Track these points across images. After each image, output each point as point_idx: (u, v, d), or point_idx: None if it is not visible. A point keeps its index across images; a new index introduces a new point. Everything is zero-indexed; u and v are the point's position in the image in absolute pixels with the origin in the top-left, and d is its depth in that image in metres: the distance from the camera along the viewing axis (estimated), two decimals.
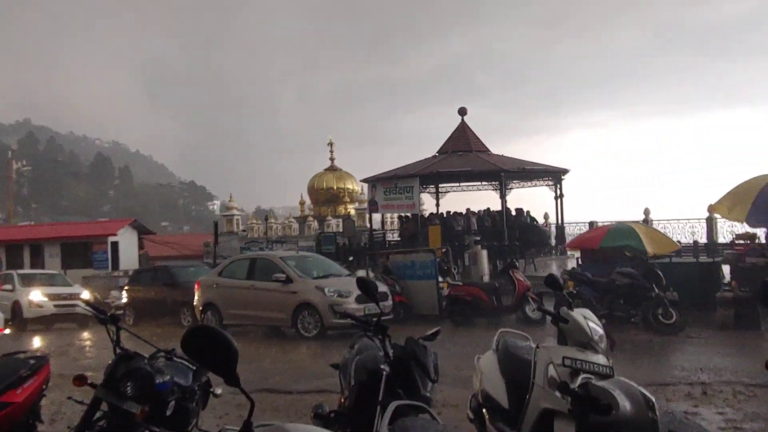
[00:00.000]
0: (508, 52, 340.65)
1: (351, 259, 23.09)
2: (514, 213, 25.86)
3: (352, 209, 39.32)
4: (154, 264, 27.02)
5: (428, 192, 30.25)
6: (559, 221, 27.26)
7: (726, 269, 14.50)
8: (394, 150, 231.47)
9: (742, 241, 14.81)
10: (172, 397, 3.83)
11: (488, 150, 28.16)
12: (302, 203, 42.92)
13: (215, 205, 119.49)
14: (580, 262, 16.58)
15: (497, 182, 25.85)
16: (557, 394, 3.28)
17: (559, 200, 27.00)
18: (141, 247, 33.39)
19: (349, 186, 40.59)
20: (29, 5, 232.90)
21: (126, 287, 19.60)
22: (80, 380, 3.89)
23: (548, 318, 4.20)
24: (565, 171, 27.16)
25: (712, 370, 9.02)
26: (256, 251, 24.30)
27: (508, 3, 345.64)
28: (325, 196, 40.55)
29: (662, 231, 18.92)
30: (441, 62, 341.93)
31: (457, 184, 29.80)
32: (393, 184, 25.90)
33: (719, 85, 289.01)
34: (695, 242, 20.82)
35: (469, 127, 28.54)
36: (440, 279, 16.09)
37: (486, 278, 17.69)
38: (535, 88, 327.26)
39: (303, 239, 34.85)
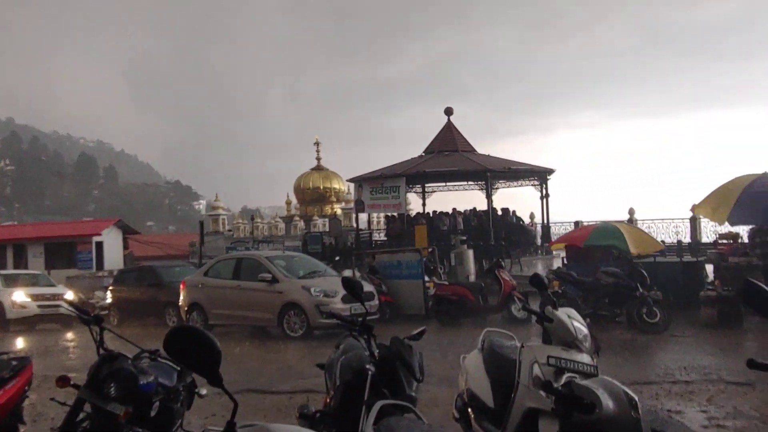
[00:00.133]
0: (494, 53, 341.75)
1: (337, 258, 23.07)
2: (500, 213, 25.99)
3: (338, 209, 39.31)
4: (139, 264, 26.87)
5: (414, 192, 30.34)
6: (545, 221, 27.42)
7: (709, 268, 14.63)
8: (381, 150, 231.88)
9: (725, 241, 14.93)
10: (157, 398, 3.82)
11: (474, 150, 28.27)
12: (288, 203, 42.87)
13: (201, 205, 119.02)
14: (565, 262, 16.67)
15: (483, 182, 25.95)
16: (542, 393, 3.29)
17: (544, 200, 27.17)
18: (126, 247, 33.19)
19: (336, 186, 40.59)
20: (11, 3, 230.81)
21: (110, 287, 19.48)
22: (63, 381, 3.86)
23: (534, 317, 4.20)
24: (550, 171, 27.31)
25: (695, 368, 9.10)
26: (242, 251, 24.22)
27: (495, 4, 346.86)
28: (312, 195, 40.52)
29: (647, 231, 19.07)
30: (427, 62, 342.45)
31: (444, 184, 29.90)
32: (379, 183, 25.93)
33: (704, 86, 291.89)
34: (679, 242, 21.00)
35: (455, 127, 28.64)
36: (426, 278, 16.11)
37: (472, 278, 17.74)
38: (522, 88, 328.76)
39: (289, 239, 34.79)
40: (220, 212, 39.75)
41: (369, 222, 32.74)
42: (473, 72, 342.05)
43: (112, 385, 3.66)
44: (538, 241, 27.32)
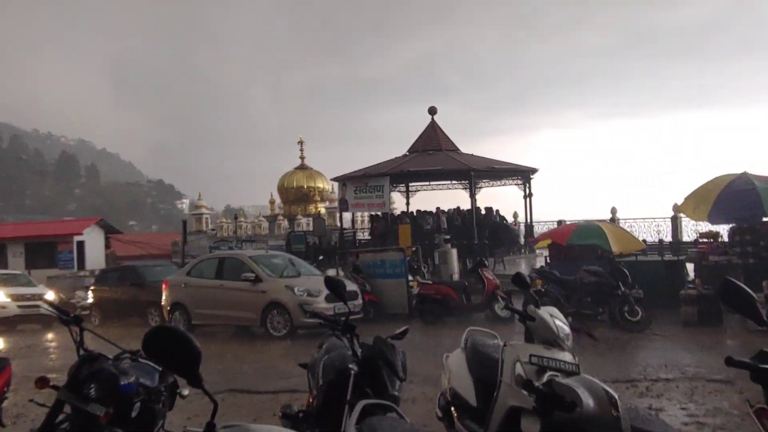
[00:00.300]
0: (477, 52, 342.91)
1: (321, 258, 23.05)
2: (483, 212, 26.06)
3: (322, 208, 39.23)
4: (121, 264, 26.65)
5: (398, 191, 30.35)
6: (528, 220, 27.54)
7: (690, 267, 14.76)
8: (365, 149, 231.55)
9: (705, 240, 15.08)
10: (138, 399, 3.79)
11: (458, 149, 28.34)
12: (272, 202, 42.72)
13: (184, 204, 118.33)
14: (548, 261, 16.76)
15: (467, 181, 26.01)
16: (524, 391, 3.30)
17: (528, 199, 27.30)
18: (107, 246, 32.91)
19: (320, 185, 40.50)
20: None
21: (92, 287, 19.33)
22: (42, 382, 3.83)
23: (517, 316, 4.22)
24: (534, 170, 27.44)
25: (675, 366, 9.18)
26: (226, 250, 24.10)
27: (478, 3, 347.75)
28: (296, 194, 40.40)
29: (629, 230, 19.23)
30: (411, 61, 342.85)
31: (427, 183, 29.95)
32: (363, 183, 25.91)
33: (685, 86, 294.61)
34: (660, 241, 21.21)
35: (439, 127, 28.68)
36: (410, 278, 16.13)
37: (456, 277, 17.78)
38: (505, 88, 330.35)
39: (273, 238, 34.67)
40: (204, 211, 39.52)
41: (353, 221, 32.75)
42: (457, 71, 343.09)
43: (92, 385, 3.62)
44: (522, 240, 27.43)
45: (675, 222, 23.48)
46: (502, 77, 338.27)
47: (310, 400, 4.36)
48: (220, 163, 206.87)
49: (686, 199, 13.98)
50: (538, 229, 26.99)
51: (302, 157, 41.29)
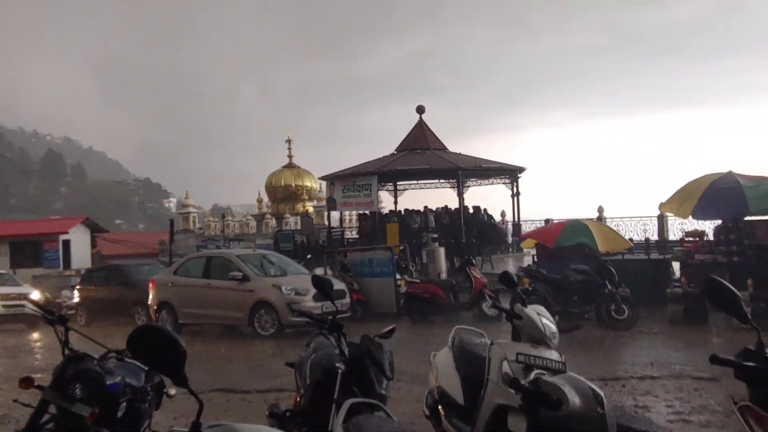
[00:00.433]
0: (466, 52, 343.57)
1: (309, 257, 23.02)
2: (471, 211, 26.13)
3: (310, 207, 39.15)
4: (107, 263, 26.49)
5: (386, 190, 30.36)
6: (516, 219, 27.62)
7: (676, 266, 14.84)
8: (353, 148, 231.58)
9: (691, 239, 15.16)
10: (124, 399, 3.77)
11: (446, 148, 28.37)
12: (260, 201, 42.58)
13: (171, 203, 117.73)
14: (535, 260, 16.81)
15: (455, 180, 26.07)
16: (510, 390, 3.31)
17: (515, 198, 27.37)
18: (94, 245, 32.71)
19: (308, 183, 40.40)
20: None
21: (78, 287, 19.18)
22: (27, 382, 3.79)
23: (504, 315, 4.23)
24: (521, 169, 27.51)
25: (661, 364, 9.25)
26: (213, 249, 24.01)
27: (467, 3, 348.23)
28: (283, 193, 40.28)
29: (615, 228, 19.28)
30: (399, 60, 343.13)
31: (415, 182, 29.97)
32: (351, 181, 25.89)
33: (672, 86, 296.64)
34: (647, 239, 21.30)
35: (427, 125, 28.70)
36: (398, 276, 16.13)
37: (443, 275, 17.78)
38: (493, 87, 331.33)
39: (261, 237, 34.58)
40: (191, 210, 39.35)
41: (341, 220, 32.72)
42: (445, 70, 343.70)
43: (77, 385, 3.60)
44: (509, 239, 27.50)
45: (661, 221, 23.61)
46: (490, 77, 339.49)
47: (298, 399, 4.35)
48: (207, 162, 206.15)
49: (671, 197, 14.05)
50: (526, 228, 27.04)
51: (290, 156, 41.19)
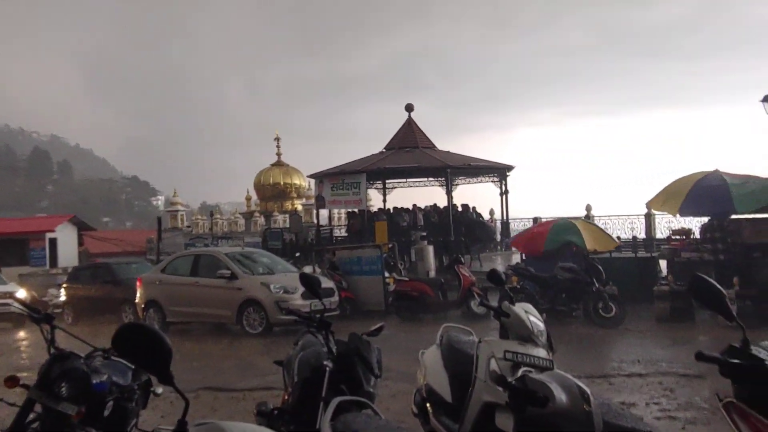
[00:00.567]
0: (454, 50, 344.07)
1: (298, 255, 23.00)
2: (460, 209, 26.14)
3: (299, 205, 39.10)
4: (94, 261, 26.35)
5: (375, 188, 30.35)
6: (504, 217, 27.68)
7: (663, 264, 14.93)
8: (342, 146, 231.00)
9: (678, 237, 15.25)
10: (110, 397, 3.74)
11: (435, 146, 28.39)
12: (248, 199, 42.47)
13: (159, 201, 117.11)
14: (524, 258, 16.86)
15: (443, 178, 26.09)
16: (498, 387, 3.32)
17: (504, 196, 27.42)
18: (81, 243, 32.50)
19: (296, 181, 40.33)
20: None
21: (65, 285, 19.08)
22: (12, 381, 3.77)
23: (492, 313, 4.24)
24: (510, 168, 27.56)
25: (648, 361, 9.31)
26: (201, 247, 23.92)
27: (455, 1, 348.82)
28: (272, 191, 40.19)
29: (603, 226, 19.35)
30: (388, 58, 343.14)
31: (404, 180, 29.99)
32: (340, 180, 25.86)
33: (659, 85, 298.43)
34: (634, 238, 21.41)
35: (415, 124, 28.70)
36: (386, 274, 16.13)
37: (432, 274, 17.82)
38: (481, 85, 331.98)
39: (249, 235, 34.53)
40: (179, 208, 39.23)
41: (330, 218, 32.67)
42: (434, 69, 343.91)
43: (63, 384, 3.57)
44: (498, 237, 27.57)
45: (648, 219, 23.73)
46: (478, 75, 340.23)
47: (286, 397, 4.34)
48: (195, 160, 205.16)
49: (658, 194, 14.15)
50: (514, 227, 27.13)
51: (279, 154, 41.10)
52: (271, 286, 13.52)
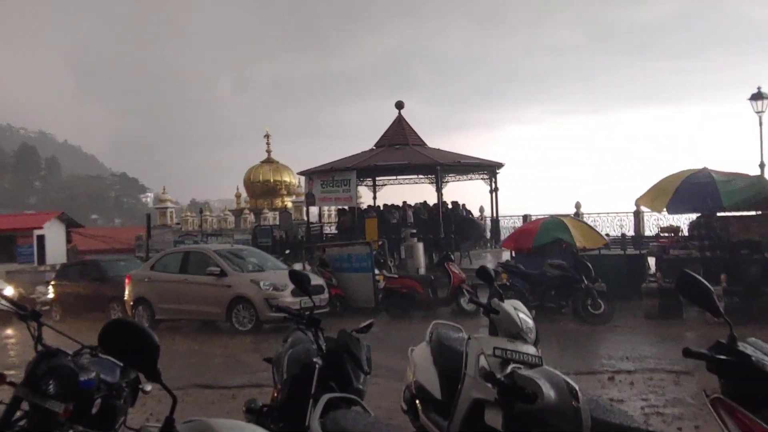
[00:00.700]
0: (445, 48, 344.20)
1: (288, 252, 22.95)
2: (450, 206, 26.16)
3: (289, 202, 39.01)
4: (82, 258, 26.21)
5: (365, 185, 30.34)
6: (494, 214, 27.73)
7: (651, 261, 15.03)
8: (332, 143, 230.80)
9: (666, 234, 15.36)
10: (98, 395, 3.71)
11: (425, 144, 28.39)
12: (238, 196, 42.32)
13: (148, 198, 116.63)
14: (513, 255, 16.91)
15: (433, 176, 26.09)
16: (487, 384, 3.33)
17: (494, 194, 27.45)
18: (69, 240, 32.30)
19: (286, 179, 40.23)
20: None
21: (53, 282, 18.97)
22: None
23: (482, 310, 4.25)
24: (500, 165, 27.61)
25: (636, 358, 9.37)
26: (190, 244, 23.83)
27: None
28: (262, 188, 40.07)
29: (592, 224, 19.47)
30: (379, 56, 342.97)
31: (394, 178, 29.97)
32: (330, 177, 25.83)
33: (648, 83, 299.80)
34: (623, 235, 21.49)
35: (406, 121, 28.69)
36: (376, 272, 16.14)
37: (422, 271, 17.84)
38: (472, 83, 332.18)
39: (239, 232, 34.42)
40: (168, 205, 39.06)
41: (320, 215, 32.59)
42: (424, 66, 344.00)
43: (50, 382, 3.54)
44: (488, 234, 27.62)
45: (637, 216, 23.84)
46: (468, 72, 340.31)
47: (275, 394, 4.34)
48: (185, 157, 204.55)
49: (646, 192, 14.23)
50: (504, 224, 27.19)
51: (269, 151, 40.97)
52: (261, 284, 13.49)
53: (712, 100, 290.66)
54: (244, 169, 41.68)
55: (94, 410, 3.68)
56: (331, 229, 30.44)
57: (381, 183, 30.63)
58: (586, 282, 12.58)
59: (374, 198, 30.45)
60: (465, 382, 3.77)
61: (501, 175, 27.61)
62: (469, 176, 28.70)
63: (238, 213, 39.38)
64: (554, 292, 13.08)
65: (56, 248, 30.26)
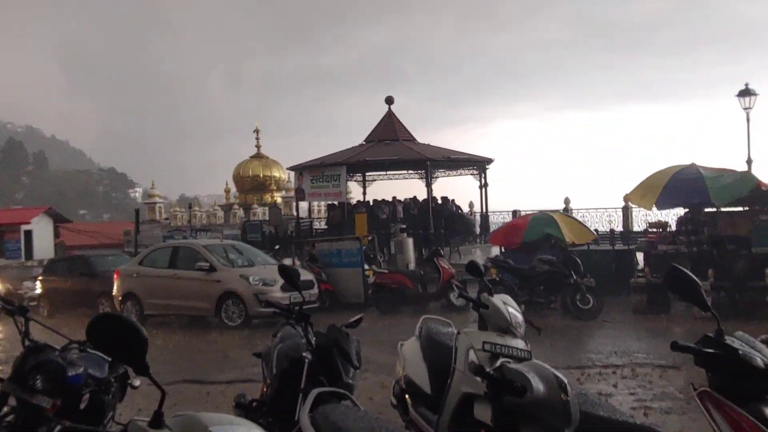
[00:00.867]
0: (434, 43, 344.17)
1: (277, 247, 22.89)
2: (439, 201, 26.20)
3: (278, 197, 38.89)
4: (71, 253, 26.06)
5: (355, 180, 30.31)
6: (484, 210, 27.80)
7: (640, 257, 15.09)
8: (322, 138, 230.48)
9: (654, 230, 15.42)
10: (87, 390, 3.70)
11: (414, 139, 28.41)
12: (228, 191, 42.12)
13: (137, 193, 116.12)
14: (503, 250, 16.94)
15: (423, 171, 26.12)
16: (477, 378, 3.33)
17: (483, 189, 27.52)
18: (57, 235, 32.12)
19: (276, 174, 40.08)
20: None
21: (40, 277, 18.83)
22: None
23: (471, 305, 4.26)
24: (489, 161, 27.67)
25: (625, 352, 9.43)
26: (179, 240, 23.74)
27: None
28: (251, 183, 39.90)
29: (581, 219, 19.53)
30: (369, 51, 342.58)
31: (384, 173, 29.97)
32: (320, 172, 25.81)
33: (637, 80, 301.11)
34: (612, 230, 21.55)
35: (395, 116, 28.69)
36: (366, 267, 16.13)
37: (411, 266, 17.84)
38: (461, 79, 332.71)
39: (228, 227, 34.27)
40: (157, 200, 38.86)
41: (309, 210, 32.56)
42: (414, 62, 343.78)
43: (38, 377, 3.53)
44: (477, 229, 27.69)
45: (626, 212, 23.94)
46: (458, 68, 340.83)
47: (264, 389, 4.33)
48: (174, 152, 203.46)
49: (635, 188, 14.29)
50: (494, 219, 27.26)
51: (258, 146, 40.78)
52: (250, 279, 13.46)
53: (700, 96, 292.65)
54: (233, 164, 41.53)
55: (82, 405, 3.67)
56: (320, 225, 30.41)
57: (371, 178, 30.61)
58: (575, 277, 12.62)
59: (364, 193, 30.43)
60: (454, 377, 3.78)
61: (491, 170, 27.72)
62: (459, 172, 28.74)
63: (227, 208, 39.23)
64: (543, 287, 13.12)
65: (44, 243, 30.12)
